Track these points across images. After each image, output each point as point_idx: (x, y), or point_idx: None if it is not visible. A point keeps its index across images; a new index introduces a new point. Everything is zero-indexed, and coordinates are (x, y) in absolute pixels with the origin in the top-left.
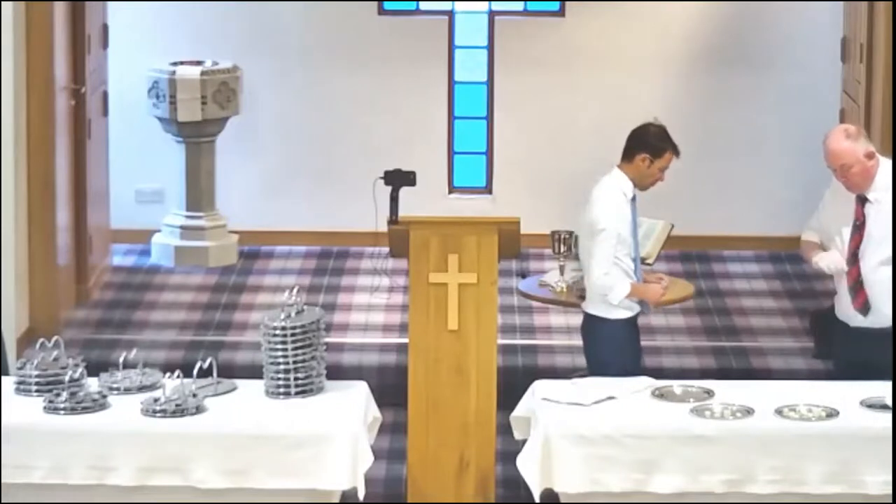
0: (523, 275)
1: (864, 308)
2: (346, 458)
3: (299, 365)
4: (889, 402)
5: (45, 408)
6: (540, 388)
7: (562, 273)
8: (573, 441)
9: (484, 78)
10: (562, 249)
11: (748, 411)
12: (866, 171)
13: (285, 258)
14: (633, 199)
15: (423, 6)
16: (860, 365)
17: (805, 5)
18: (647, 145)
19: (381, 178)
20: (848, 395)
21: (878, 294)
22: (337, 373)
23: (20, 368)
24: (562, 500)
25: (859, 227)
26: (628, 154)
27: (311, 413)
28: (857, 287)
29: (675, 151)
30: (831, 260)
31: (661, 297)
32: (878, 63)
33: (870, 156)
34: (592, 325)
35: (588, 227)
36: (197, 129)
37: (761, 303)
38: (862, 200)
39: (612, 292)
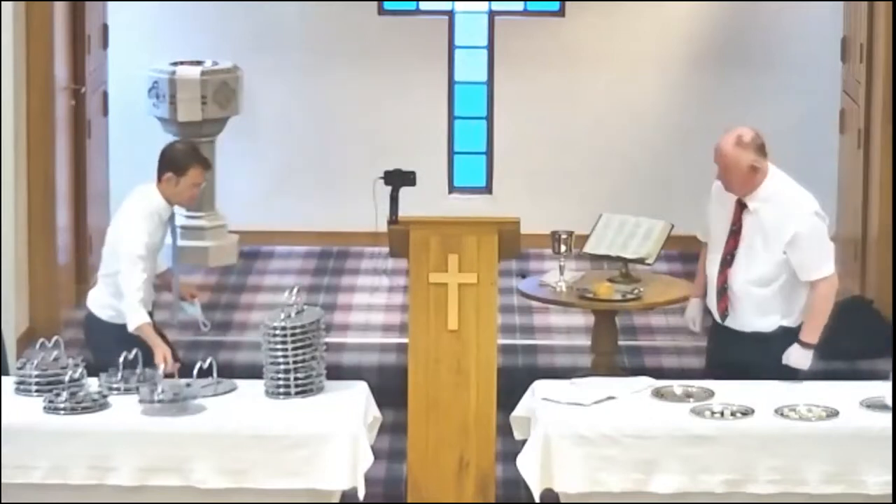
0: (523, 275)
1: (724, 314)
2: (346, 458)
3: (299, 365)
4: (889, 402)
5: (45, 408)
6: (540, 388)
7: (562, 273)
8: (573, 441)
9: (484, 78)
10: (562, 249)
11: (748, 411)
12: (744, 180)
13: (285, 258)
14: (172, 217)
15: (423, 6)
16: (724, 364)
17: (805, 5)
18: (171, 164)
19: (381, 178)
20: (848, 395)
21: (740, 307)
22: (337, 373)
23: (20, 368)
24: (562, 500)
25: (735, 232)
26: (158, 174)
27: (311, 413)
28: (722, 292)
29: (205, 166)
30: (690, 317)
31: (160, 361)
32: (878, 63)
33: (753, 169)
34: (88, 320)
35: (114, 243)
36: (197, 129)
37: None
38: (742, 206)
39: (128, 319)
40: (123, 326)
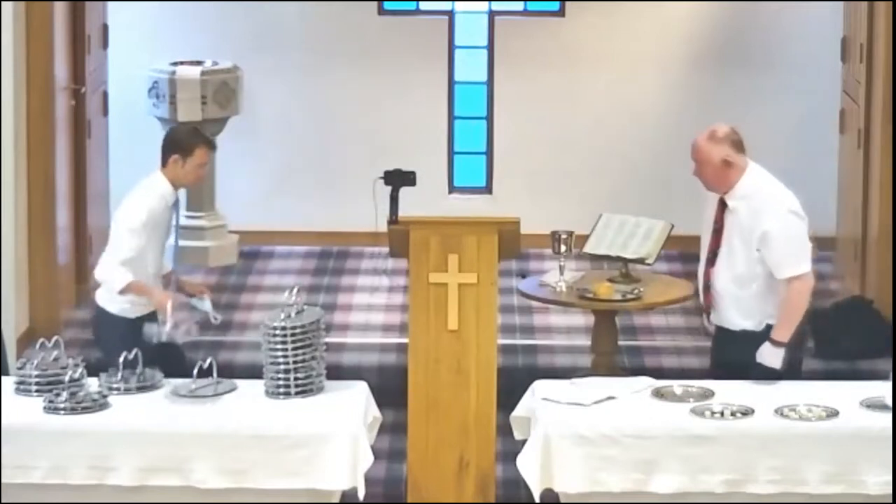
0: (523, 275)
1: (708, 310)
2: (346, 458)
3: (299, 365)
4: (889, 402)
5: (45, 408)
6: (540, 388)
7: (562, 273)
8: (573, 441)
9: (484, 78)
10: (562, 249)
11: (748, 411)
12: (717, 175)
13: (285, 258)
14: (176, 203)
15: (423, 6)
16: (722, 363)
17: (805, 5)
18: (177, 146)
19: (381, 178)
20: (848, 395)
21: (723, 306)
22: (337, 373)
23: (20, 368)
24: (562, 500)
25: (717, 231)
26: (163, 158)
27: (311, 413)
28: (706, 290)
29: (209, 146)
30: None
31: (164, 305)
32: (878, 63)
33: (726, 164)
34: (97, 315)
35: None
36: None
37: None
38: (723, 204)
39: (110, 283)
40: (133, 321)
